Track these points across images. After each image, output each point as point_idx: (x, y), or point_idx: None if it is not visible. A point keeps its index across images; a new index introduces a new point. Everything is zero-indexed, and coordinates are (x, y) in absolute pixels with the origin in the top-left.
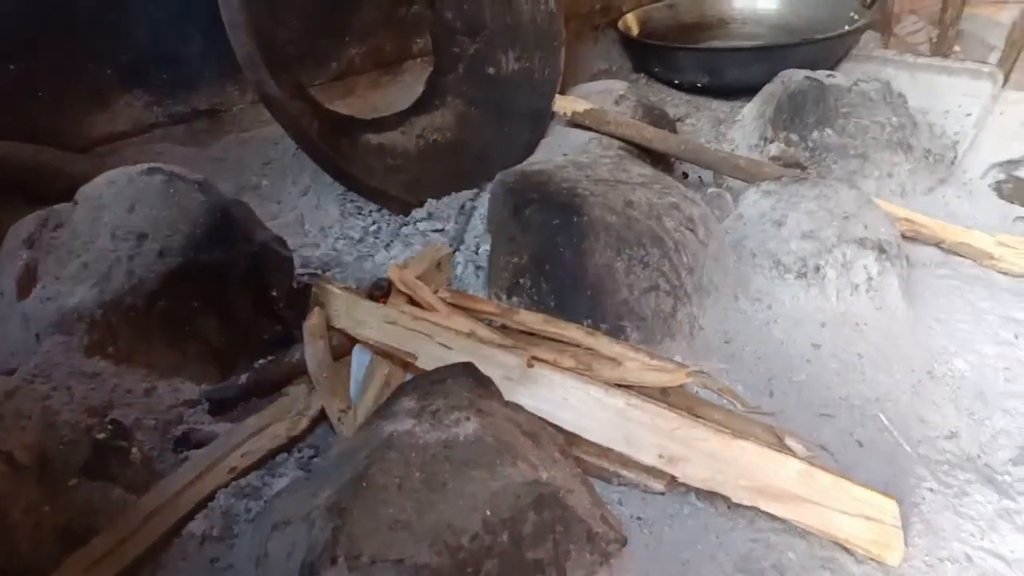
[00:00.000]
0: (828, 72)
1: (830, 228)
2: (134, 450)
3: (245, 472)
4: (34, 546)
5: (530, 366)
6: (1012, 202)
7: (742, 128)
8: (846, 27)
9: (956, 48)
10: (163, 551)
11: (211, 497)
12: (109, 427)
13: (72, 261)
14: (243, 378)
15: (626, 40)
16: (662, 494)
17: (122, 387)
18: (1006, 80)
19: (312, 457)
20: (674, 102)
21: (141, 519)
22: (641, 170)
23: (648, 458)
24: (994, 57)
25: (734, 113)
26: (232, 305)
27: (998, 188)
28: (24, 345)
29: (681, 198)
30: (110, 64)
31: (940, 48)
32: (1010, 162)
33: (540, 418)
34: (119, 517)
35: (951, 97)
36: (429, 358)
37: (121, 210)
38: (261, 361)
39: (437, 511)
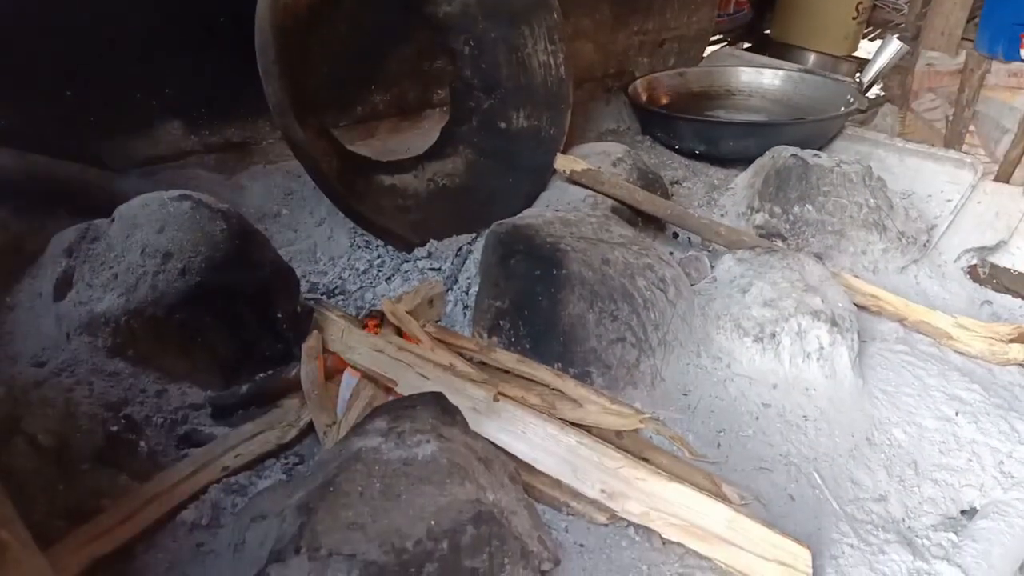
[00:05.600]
0: (814, 152)
1: (789, 299)
2: (141, 443)
3: (236, 472)
4: (46, 520)
5: (496, 400)
6: (983, 285)
7: (732, 196)
8: (842, 109)
9: (971, 128)
10: (157, 533)
11: (204, 490)
12: (122, 421)
13: (105, 271)
14: (244, 388)
15: (633, 105)
16: (605, 525)
17: (137, 387)
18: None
19: (297, 464)
20: (673, 165)
21: (141, 503)
22: (623, 231)
23: (591, 492)
24: (1007, 140)
25: (728, 180)
26: (241, 322)
27: (970, 271)
28: (55, 342)
29: (656, 259)
30: (156, 96)
31: (955, 127)
32: (983, 248)
33: (497, 447)
34: (121, 500)
35: (935, 183)
36: (408, 386)
37: (152, 230)
38: (261, 374)
39: (389, 517)
